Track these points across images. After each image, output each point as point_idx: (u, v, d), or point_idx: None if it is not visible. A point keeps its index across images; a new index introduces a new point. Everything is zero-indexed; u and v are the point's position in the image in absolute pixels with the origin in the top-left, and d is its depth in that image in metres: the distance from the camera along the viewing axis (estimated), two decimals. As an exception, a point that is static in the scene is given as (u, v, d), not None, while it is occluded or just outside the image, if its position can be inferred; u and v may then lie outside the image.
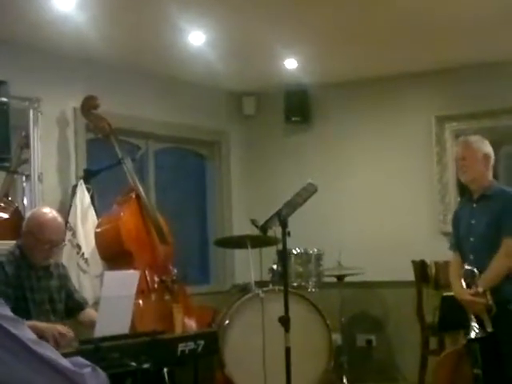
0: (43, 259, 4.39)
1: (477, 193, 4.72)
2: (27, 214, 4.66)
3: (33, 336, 1.58)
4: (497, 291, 4.46)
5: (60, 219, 4.51)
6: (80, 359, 1.69)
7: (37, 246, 4.33)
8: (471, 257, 4.59)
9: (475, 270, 4.48)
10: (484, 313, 4.41)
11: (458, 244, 4.78)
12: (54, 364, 1.56)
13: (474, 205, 4.71)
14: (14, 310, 1.55)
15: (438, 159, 7.25)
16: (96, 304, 4.75)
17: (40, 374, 1.55)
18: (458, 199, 7.05)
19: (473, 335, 4.40)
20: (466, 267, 4.53)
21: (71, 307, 4.57)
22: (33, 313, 4.24)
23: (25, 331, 1.57)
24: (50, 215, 4.43)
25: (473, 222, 4.66)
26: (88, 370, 1.63)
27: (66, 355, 1.67)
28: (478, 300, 4.42)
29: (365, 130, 7.54)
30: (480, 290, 4.42)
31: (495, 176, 4.99)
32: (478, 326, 4.40)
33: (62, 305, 4.51)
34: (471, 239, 4.63)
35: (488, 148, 4.77)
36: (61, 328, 4.13)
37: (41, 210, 4.58)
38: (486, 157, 4.73)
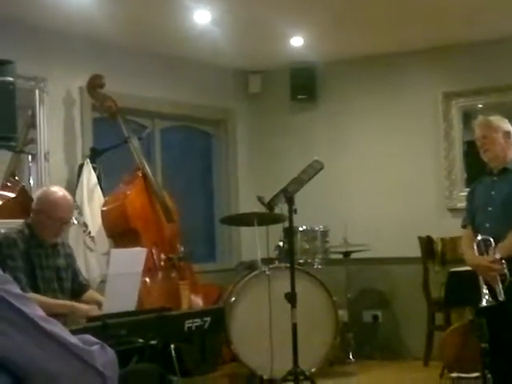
0: (53, 237, 4.44)
1: (497, 168, 4.73)
2: (37, 193, 4.70)
3: (41, 313, 1.60)
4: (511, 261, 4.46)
5: (70, 197, 4.59)
6: (88, 337, 1.71)
7: (47, 223, 4.38)
8: (487, 225, 4.57)
9: (490, 239, 4.48)
10: (497, 281, 4.41)
11: (471, 217, 4.77)
12: (63, 341, 1.58)
13: (495, 178, 4.72)
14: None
15: (445, 135, 7.24)
16: (103, 282, 4.79)
17: (47, 351, 1.56)
18: (465, 176, 7.07)
19: (484, 303, 4.40)
20: (480, 237, 4.53)
21: (76, 288, 4.61)
22: (41, 290, 4.29)
23: (33, 308, 1.59)
24: (61, 193, 4.49)
25: (492, 193, 4.67)
26: (97, 347, 1.64)
27: (73, 332, 1.68)
28: (494, 266, 4.42)
29: (371, 108, 7.53)
30: (497, 256, 4.42)
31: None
32: (489, 294, 4.40)
33: (69, 283, 4.54)
34: (489, 208, 4.63)
35: (508, 126, 4.77)
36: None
37: (51, 188, 4.62)
38: (507, 134, 4.73)
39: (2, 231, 4.72)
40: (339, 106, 7.66)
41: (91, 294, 4.62)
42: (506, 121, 4.82)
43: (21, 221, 4.65)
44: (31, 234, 4.39)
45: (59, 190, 4.54)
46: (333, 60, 7.42)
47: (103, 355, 1.64)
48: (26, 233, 4.39)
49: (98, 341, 1.68)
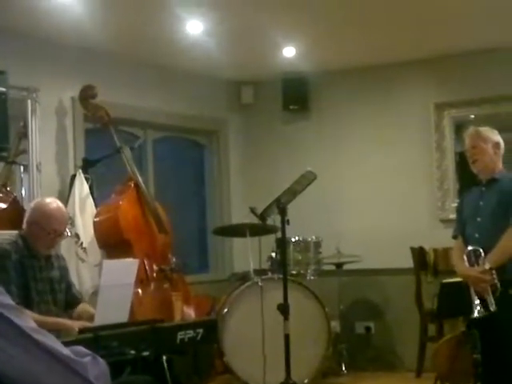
0: (46, 249, 4.42)
1: (486, 178, 4.74)
2: (31, 204, 4.68)
3: (33, 324, 1.59)
4: (502, 270, 4.47)
5: (64, 209, 4.58)
6: (80, 348, 1.70)
7: (41, 235, 4.36)
8: (476, 235, 4.59)
9: (480, 249, 4.49)
10: (488, 292, 4.42)
11: (461, 228, 4.78)
12: (55, 352, 1.57)
13: (483, 188, 4.73)
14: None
15: (437, 146, 7.25)
16: (95, 293, 4.76)
17: (39, 362, 1.55)
18: (458, 187, 7.07)
19: (476, 314, 4.40)
20: (470, 247, 4.54)
21: (69, 300, 4.58)
22: (34, 302, 4.26)
23: (25, 320, 1.58)
24: (55, 205, 4.47)
25: (481, 203, 4.68)
26: (89, 358, 1.64)
27: (65, 344, 1.67)
28: (484, 277, 4.43)
29: (363, 118, 7.54)
30: (487, 266, 4.42)
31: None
32: (480, 305, 4.40)
33: (63, 295, 4.52)
34: (478, 219, 4.64)
35: (497, 137, 4.79)
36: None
37: (45, 199, 4.60)
38: (497, 145, 4.74)
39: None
40: (331, 116, 7.67)
41: (84, 306, 4.59)
42: (496, 132, 4.83)
43: (12, 232, 4.63)
44: (25, 246, 4.36)
45: (53, 202, 4.52)
46: (325, 70, 7.43)
47: (95, 366, 1.63)
48: (20, 244, 4.36)
49: (90, 352, 1.67)
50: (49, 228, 4.35)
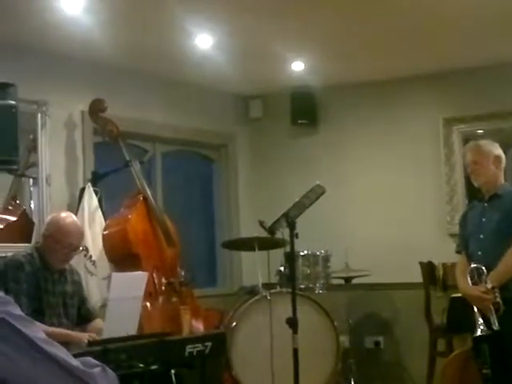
0: (61, 262, 4.46)
1: (488, 193, 4.71)
2: (47, 218, 4.73)
3: (43, 335, 1.59)
4: (505, 288, 4.45)
5: (79, 224, 4.64)
6: (89, 359, 1.70)
7: (56, 249, 4.40)
8: (479, 253, 4.57)
9: (483, 267, 4.46)
10: (491, 310, 4.39)
11: (464, 243, 4.77)
12: (64, 363, 1.57)
13: (485, 204, 4.70)
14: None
15: (446, 161, 7.24)
16: (103, 306, 4.77)
17: (47, 373, 1.55)
18: (467, 202, 7.05)
19: (479, 333, 4.38)
20: (473, 265, 4.52)
21: (83, 315, 4.60)
22: (46, 315, 4.28)
23: (34, 330, 1.58)
24: (71, 219, 4.53)
25: (483, 219, 4.65)
26: (98, 369, 1.64)
27: (74, 356, 1.67)
28: (487, 296, 4.40)
29: (372, 133, 7.54)
30: (489, 285, 4.40)
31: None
32: (484, 324, 4.38)
33: (75, 310, 4.55)
34: (481, 236, 4.62)
35: (498, 150, 4.76)
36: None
37: (61, 214, 4.65)
38: (498, 159, 4.71)
39: (7, 254, 4.71)
40: (340, 130, 7.67)
41: (98, 322, 4.61)
42: (497, 145, 4.81)
43: (21, 245, 4.65)
44: (40, 259, 4.40)
45: (69, 216, 4.58)
46: (334, 85, 7.44)
47: (104, 378, 1.63)
48: (35, 257, 4.40)
49: (99, 363, 1.67)
50: (64, 242, 4.39)
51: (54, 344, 1.59)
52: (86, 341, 4.07)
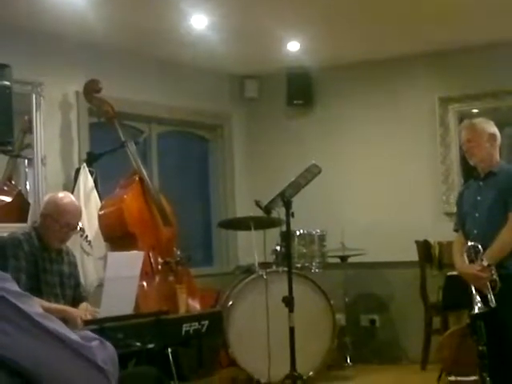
0: (59, 242, 4.46)
1: (484, 172, 4.71)
2: (45, 198, 4.73)
3: (40, 310, 1.59)
4: (501, 266, 4.47)
5: (77, 203, 4.64)
6: (88, 333, 1.71)
7: (54, 228, 4.40)
8: (475, 231, 4.58)
9: (479, 245, 4.48)
10: (488, 288, 4.42)
11: (461, 222, 4.78)
12: (62, 337, 1.58)
13: (481, 182, 4.70)
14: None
15: (442, 140, 7.25)
16: (100, 286, 4.78)
17: (46, 347, 1.56)
18: (462, 181, 7.07)
19: (476, 310, 4.41)
20: (469, 243, 4.54)
21: (75, 297, 4.61)
22: (44, 293, 4.29)
23: (32, 305, 1.58)
24: (69, 199, 4.53)
25: (479, 198, 4.66)
26: (96, 342, 1.64)
27: (71, 332, 1.68)
28: (483, 274, 4.42)
29: (368, 113, 7.53)
30: (485, 263, 4.42)
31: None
32: (481, 302, 4.40)
33: (71, 291, 4.55)
34: (476, 215, 4.63)
35: (493, 128, 4.75)
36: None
37: (59, 193, 4.65)
38: (492, 136, 4.71)
39: (2, 235, 4.71)
40: (335, 110, 7.67)
41: (84, 306, 4.60)
42: (492, 123, 4.79)
43: (17, 225, 4.65)
44: (38, 238, 4.40)
45: (67, 196, 4.59)
46: (329, 65, 7.42)
47: (103, 351, 1.64)
48: (33, 236, 4.40)
49: (97, 336, 1.68)
50: (62, 221, 4.39)
51: (52, 319, 1.60)
52: (81, 320, 4.08)
